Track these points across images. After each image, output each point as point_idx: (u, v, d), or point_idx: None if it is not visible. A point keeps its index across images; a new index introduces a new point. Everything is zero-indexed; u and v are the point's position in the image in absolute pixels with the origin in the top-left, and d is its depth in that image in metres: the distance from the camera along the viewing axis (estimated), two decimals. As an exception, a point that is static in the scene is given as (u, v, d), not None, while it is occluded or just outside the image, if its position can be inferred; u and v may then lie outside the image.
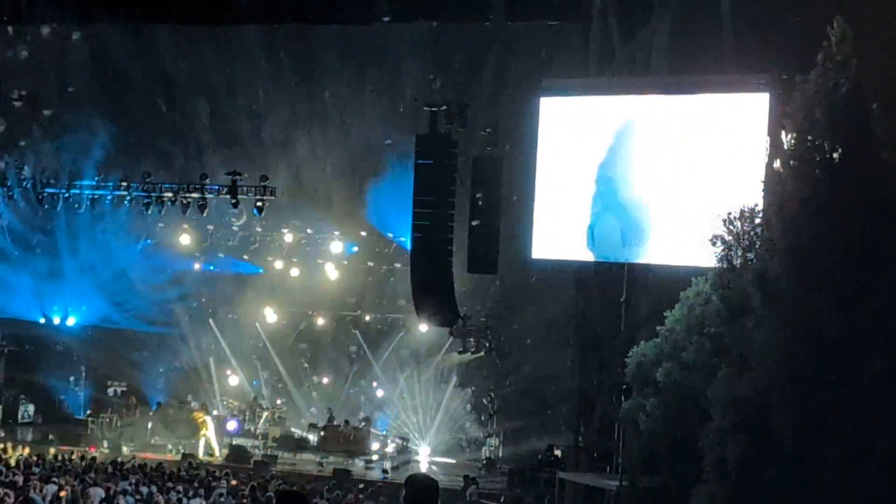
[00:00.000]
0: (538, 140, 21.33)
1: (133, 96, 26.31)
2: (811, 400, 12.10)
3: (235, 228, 28.91)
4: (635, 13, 20.39)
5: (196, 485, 18.30)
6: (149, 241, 29.52)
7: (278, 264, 30.06)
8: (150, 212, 26.34)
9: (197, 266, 30.33)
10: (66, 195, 26.34)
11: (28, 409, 28.38)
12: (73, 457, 21.90)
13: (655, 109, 20.37)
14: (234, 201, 25.72)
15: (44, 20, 24.02)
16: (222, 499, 17.21)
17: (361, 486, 21.26)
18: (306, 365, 30.46)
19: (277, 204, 26.19)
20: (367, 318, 30.21)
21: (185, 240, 28.97)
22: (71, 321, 29.64)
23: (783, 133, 14.25)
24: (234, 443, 25.82)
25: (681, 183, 19.73)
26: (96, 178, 26.26)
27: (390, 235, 28.00)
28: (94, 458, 21.97)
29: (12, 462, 19.91)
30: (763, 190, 14.61)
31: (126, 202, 26.37)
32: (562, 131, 21.29)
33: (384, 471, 24.54)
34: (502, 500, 22.09)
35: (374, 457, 25.91)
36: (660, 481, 15.98)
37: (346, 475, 23.37)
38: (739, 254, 14.89)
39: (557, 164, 21.10)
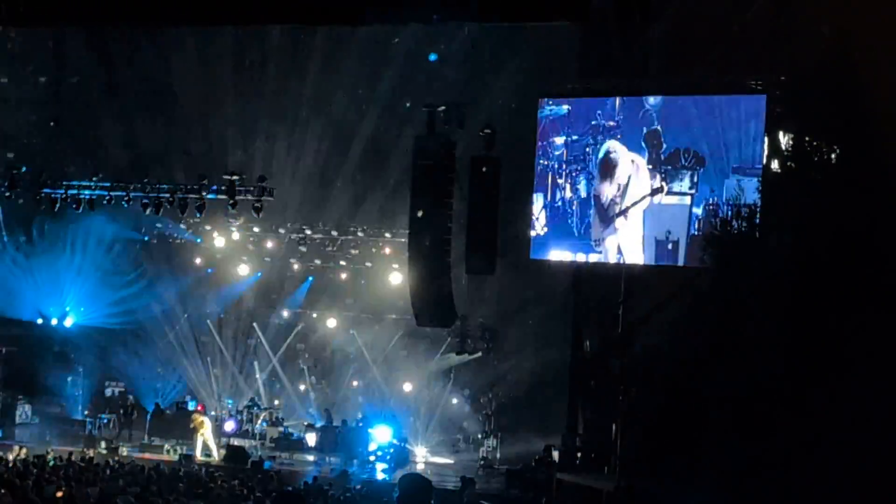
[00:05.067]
0: (537, 140, 21.35)
1: (130, 96, 26.30)
2: (811, 399, 12.12)
3: (233, 229, 28.93)
4: (634, 13, 20.39)
5: (195, 486, 18.26)
6: (147, 239, 29.55)
7: (276, 265, 30.04)
8: (147, 212, 26.30)
9: (195, 267, 30.31)
10: (64, 195, 26.27)
11: (26, 410, 28.30)
12: (71, 457, 21.84)
13: (655, 109, 20.39)
14: (231, 202, 25.67)
15: (43, 21, 23.95)
16: (221, 500, 17.17)
17: (358, 486, 21.25)
18: (304, 366, 30.44)
19: (275, 204, 26.14)
20: (365, 318, 30.16)
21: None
22: (69, 322, 29.60)
23: (782, 133, 14.29)
24: (231, 443, 25.80)
25: (680, 183, 19.78)
26: (94, 179, 26.20)
27: (388, 236, 27.98)
28: (91, 459, 21.94)
29: (10, 463, 19.87)
30: (762, 190, 14.66)
31: (123, 203, 26.32)
32: (560, 131, 21.31)
33: (381, 471, 24.54)
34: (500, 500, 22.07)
35: (371, 457, 25.88)
36: (658, 481, 15.99)
37: (344, 475, 23.34)
38: (738, 254, 14.92)
39: (556, 165, 21.11)
